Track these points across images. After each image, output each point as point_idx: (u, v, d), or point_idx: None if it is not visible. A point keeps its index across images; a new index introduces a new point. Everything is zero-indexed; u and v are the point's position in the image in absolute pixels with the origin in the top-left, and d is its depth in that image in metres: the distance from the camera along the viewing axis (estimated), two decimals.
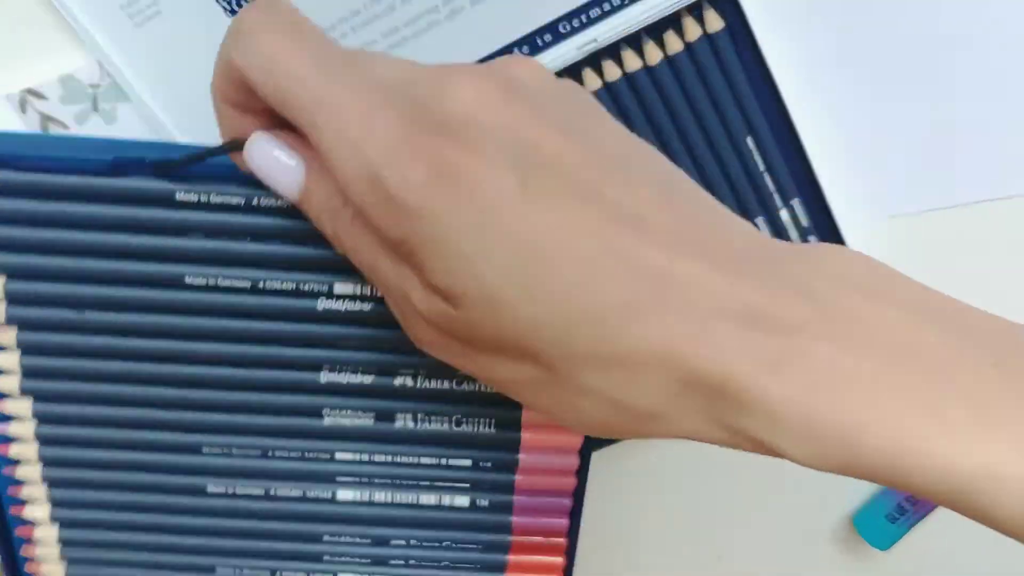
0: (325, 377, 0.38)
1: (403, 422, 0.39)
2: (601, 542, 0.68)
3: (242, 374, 0.38)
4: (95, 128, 0.48)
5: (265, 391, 0.39)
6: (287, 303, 0.37)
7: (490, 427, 0.40)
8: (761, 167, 0.48)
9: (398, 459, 0.40)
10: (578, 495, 0.44)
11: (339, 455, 0.40)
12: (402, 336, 0.31)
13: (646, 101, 0.46)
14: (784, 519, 0.67)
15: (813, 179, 0.48)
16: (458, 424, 0.40)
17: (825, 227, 0.49)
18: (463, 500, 0.42)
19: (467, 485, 0.42)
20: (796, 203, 0.49)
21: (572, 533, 0.45)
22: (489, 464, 0.41)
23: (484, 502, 0.42)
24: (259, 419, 0.39)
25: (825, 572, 0.69)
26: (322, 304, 0.37)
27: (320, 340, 0.37)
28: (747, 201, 0.48)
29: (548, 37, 0.44)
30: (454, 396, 0.39)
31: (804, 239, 0.50)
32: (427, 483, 0.41)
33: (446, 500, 0.42)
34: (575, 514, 0.44)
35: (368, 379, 0.38)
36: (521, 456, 0.41)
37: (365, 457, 0.40)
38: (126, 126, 0.48)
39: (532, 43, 0.44)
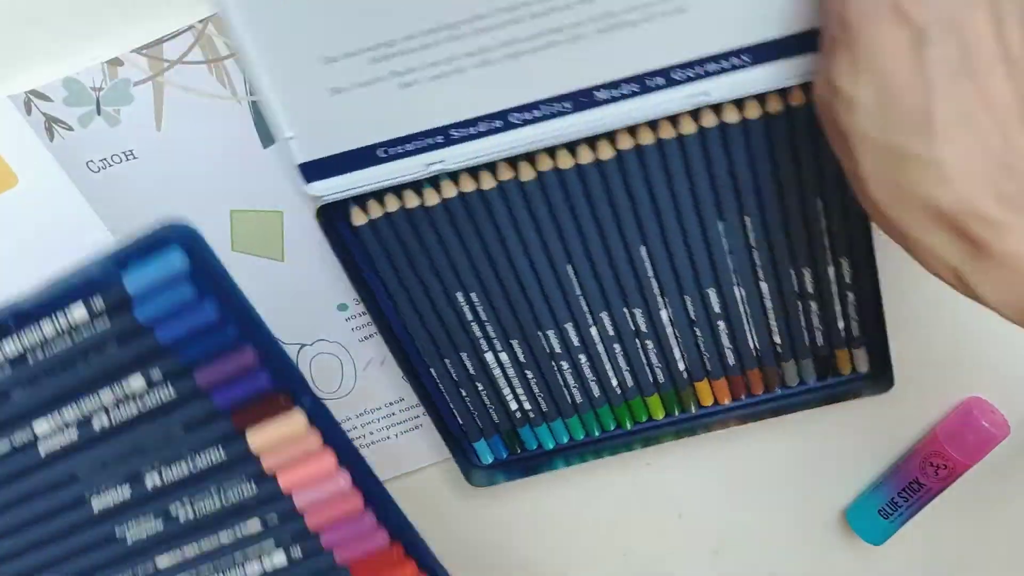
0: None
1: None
2: (595, 535, 0.71)
3: None
4: (99, 129, 0.48)
5: None
6: None
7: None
8: (823, 225, 0.50)
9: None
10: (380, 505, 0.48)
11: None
12: None
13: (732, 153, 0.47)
14: (777, 513, 0.69)
15: (869, 243, 0.50)
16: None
17: (868, 289, 0.52)
18: (280, 558, 0.48)
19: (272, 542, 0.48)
20: (844, 263, 0.51)
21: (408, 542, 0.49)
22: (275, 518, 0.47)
23: (298, 554, 0.48)
24: None
25: (818, 566, 0.72)
26: None
27: None
28: (798, 250, 0.51)
29: (660, 81, 0.44)
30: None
31: (842, 296, 0.52)
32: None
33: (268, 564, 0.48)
34: (394, 523, 0.48)
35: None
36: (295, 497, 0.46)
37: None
38: (129, 128, 0.48)
39: (642, 83, 0.44)
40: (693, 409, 0.59)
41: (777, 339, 0.55)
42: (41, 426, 0.45)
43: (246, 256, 0.54)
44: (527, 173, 0.48)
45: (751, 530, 0.71)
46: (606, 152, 0.47)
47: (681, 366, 0.57)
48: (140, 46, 0.47)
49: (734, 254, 0.51)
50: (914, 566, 0.70)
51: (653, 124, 0.46)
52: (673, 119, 0.46)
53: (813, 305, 0.53)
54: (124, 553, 0.47)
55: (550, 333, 0.55)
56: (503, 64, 0.44)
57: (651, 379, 0.57)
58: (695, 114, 0.46)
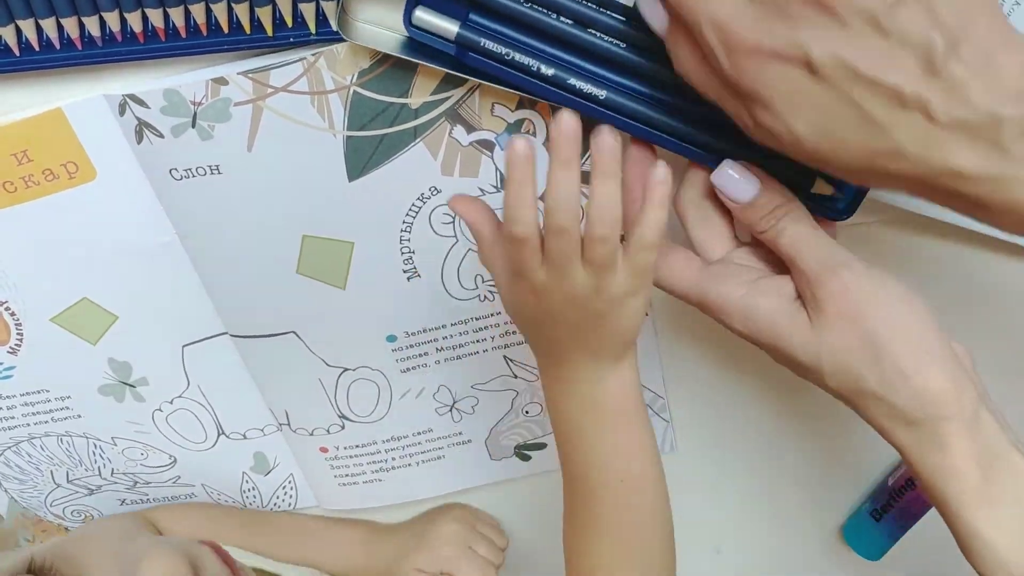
0: None
1: None
2: None
3: None
4: (190, 141, 0.47)
5: None
6: None
7: None
8: None
9: None
10: None
11: None
12: None
13: None
14: (777, 527, 0.70)
15: None
16: None
17: None
18: None
19: None
20: None
21: None
22: None
23: None
24: None
25: None
26: None
27: None
28: None
29: None
30: None
31: None
32: None
33: None
34: None
35: None
36: None
37: None
38: (220, 144, 0.48)
39: None
40: None
41: None
42: None
43: (308, 279, 0.54)
44: None
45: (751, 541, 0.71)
46: None
47: None
48: (248, 69, 0.44)
49: None
50: None
51: None
52: None
53: None
54: None
55: None
56: None
57: None
58: None
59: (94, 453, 0.65)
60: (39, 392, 0.61)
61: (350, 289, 0.55)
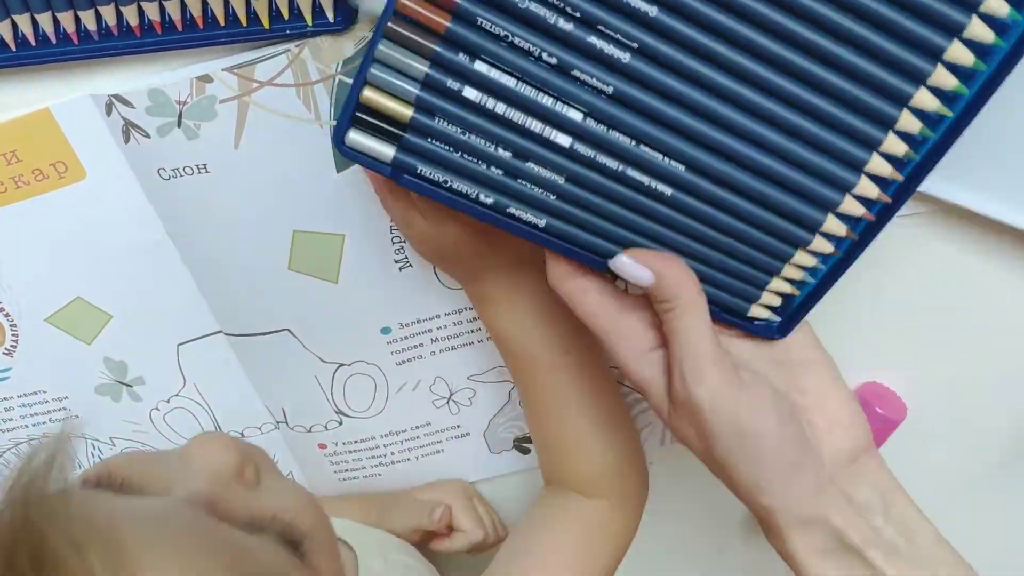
0: None
1: None
2: None
3: None
4: (176, 140, 0.47)
5: None
6: None
7: None
8: None
9: None
10: None
11: None
12: None
13: None
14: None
15: None
16: None
17: None
18: None
19: None
20: None
21: None
22: None
23: None
24: None
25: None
26: None
27: None
28: None
29: None
30: None
31: None
32: None
33: None
34: None
35: None
36: None
37: None
38: (206, 143, 0.47)
39: None
40: None
41: None
42: None
43: (300, 275, 0.54)
44: None
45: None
46: None
47: None
48: (233, 65, 0.44)
49: None
50: None
51: None
52: None
53: None
54: None
55: None
56: None
57: None
58: None
59: (92, 454, 0.65)
60: (36, 393, 0.61)
61: (343, 282, 0.55)
